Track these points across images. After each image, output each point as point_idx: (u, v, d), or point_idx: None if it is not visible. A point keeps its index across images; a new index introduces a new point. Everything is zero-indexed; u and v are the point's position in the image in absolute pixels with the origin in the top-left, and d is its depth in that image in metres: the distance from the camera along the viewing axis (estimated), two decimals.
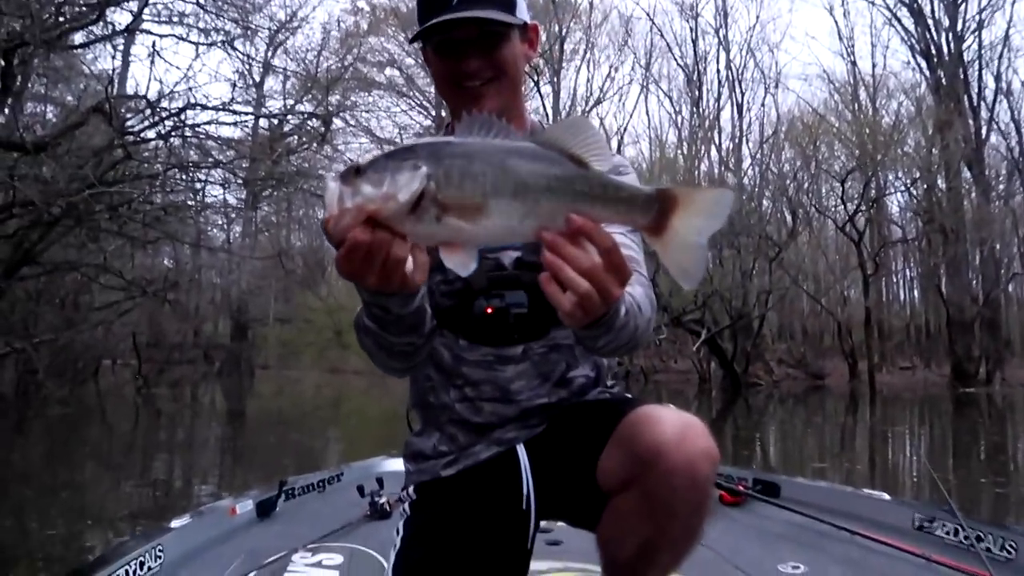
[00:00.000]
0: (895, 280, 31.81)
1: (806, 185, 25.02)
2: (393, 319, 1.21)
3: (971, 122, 24.33)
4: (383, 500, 2.81)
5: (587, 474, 1.31)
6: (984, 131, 24.95)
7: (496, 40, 1.40)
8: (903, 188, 25.18)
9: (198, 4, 13.47)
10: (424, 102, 32.27)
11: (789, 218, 25.04)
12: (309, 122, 16.23)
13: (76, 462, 8.03)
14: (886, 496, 2.80)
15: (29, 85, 15.18)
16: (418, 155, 0.90)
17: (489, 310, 1.41)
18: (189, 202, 15.29)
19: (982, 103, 25.21)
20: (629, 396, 1.52)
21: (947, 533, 2.43)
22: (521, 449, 1.46)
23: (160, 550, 2.23)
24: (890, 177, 24.64)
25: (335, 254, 0.95)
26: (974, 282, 24.89)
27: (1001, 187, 26.58)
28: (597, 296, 0.95)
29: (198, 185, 16.91)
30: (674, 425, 1.20)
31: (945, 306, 23.51)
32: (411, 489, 1.52)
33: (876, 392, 20.51)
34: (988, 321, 22.57)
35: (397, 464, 3.40)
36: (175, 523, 2.46)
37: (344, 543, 2.51)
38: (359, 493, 2.87)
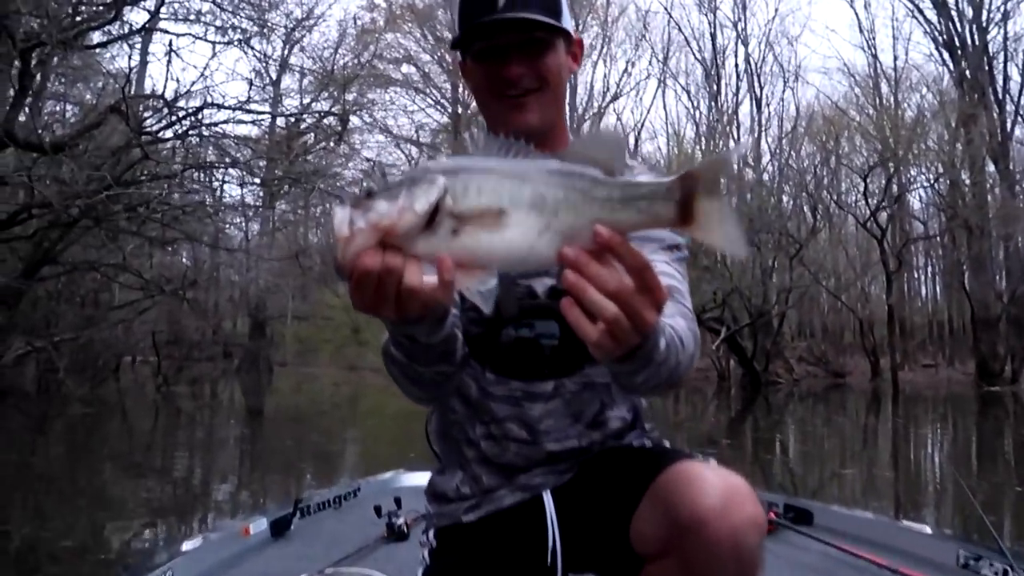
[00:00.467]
0: (916, 276, 31.39)
1: (826, 180, 24.73)
2: (421, 348, 1.12)
3: (996, 115, 23.88)
4: (400, 521, 2.74)
5: (619, 532, 1.20)
6: (1009, 124, 24.50)
7: (541, 47, 1.33)
8: (926, 184, 24.81)
9: (214, 3, 13.47)
10: (441, 99, 32.25)
11: (809, 214, 24.77)
12: (326, 120, 16.22)
13: (96, 464, 8.07)
14: (928, 529, 2.65)
15: (48, 84, 15.26)
16: (433, 171, 0.87)
17: (517, 340, 1.33)
18: (207, 201, 15.31)
19: (1007, 96, 24.78)
20: (667, 446, 1.42)
21: (995, 574, 2.27)
22: (548, 497, 1.36)
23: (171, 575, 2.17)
24: (912, 172, 24.30)
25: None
26: (997, 279, 24.48)
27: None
28: (627, 322, 0.84)
29: (216, 184, 17.00)
30: (717, 489, 1.08)
31: (970, 303, 23.12)
32: (431, 534, 1.43)
33: (899, 391, 20.25)
34: (1014, 319, 22.18)
35: (414, 479, 3.34)
36: (186, 545, 2.40)
37: (360, 568, 2.43)
38: (376, 513, 2.79)
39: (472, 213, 0.85)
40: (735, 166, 27.01)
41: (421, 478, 2.74)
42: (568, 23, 1.37)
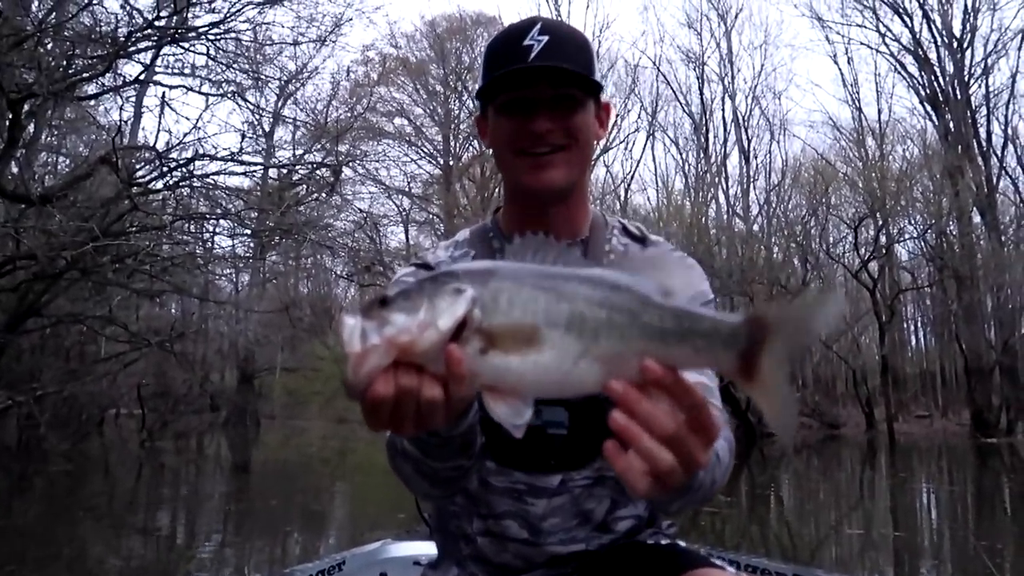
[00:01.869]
0: (905, 327, 31.42)
1: (812, 231, 24.91)
2: (438, 443, 1.01)
3: (982, 167, 24.23)
4: None
5: None
6: (995, 176, 24.84)
7: (572, 104, 1.24)
8: (915, 235, 25.02)
9: (210, 56, 13.56)
10: (433, 151, 32.53)
11: (797, 264, 24.87)
12: (318, 171, 16.25)
13: (75, 522, 7.77)
14: None
15: (41, 136, 15.26)
16: (459, 278, 0.76)
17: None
18: (197, 252, 15.19)
19: (991, 149, 25.18)
20: (682, 547, 1.29)
21: None
22: None
23: None
24: (902, 223, 24.51)
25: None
26: (987, 329, 24.51)
27: (1011, 231, 26.39)
28: (680, 468, 0.73)
29: (206, 236, 16.90)
30: None
31: (963, 354, 23.10)
32: None
33: (895, 442, 20.04)
34: (1007, 369, 22.14)
35: (402, 550, 3.17)
36: None
37: None
38: None
39: (502, 332, 0.74)
40: (725, 220, 27.28)
41: (409, 548, 2.66)
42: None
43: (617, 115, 30.78)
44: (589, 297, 0.75)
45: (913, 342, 32.43)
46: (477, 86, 1.33)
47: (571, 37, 1.26)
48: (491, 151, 1.35)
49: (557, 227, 1.26)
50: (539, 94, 1.23)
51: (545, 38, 1.21)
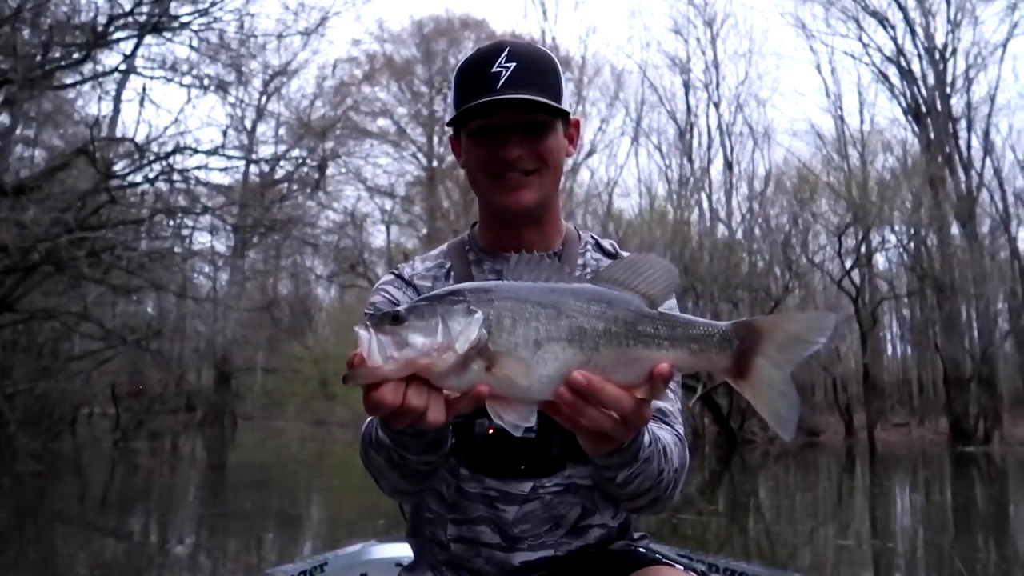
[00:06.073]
0: (882, 335, 31.66)
1: (793, 240, 25.05)
2: (412, 433, 1.05)
3: (963, 178, 24.49)
4: None
5: None
6: (975, 187, 25.11)
7: (541, 129, 1.31)
8: (896, 244, 25.21)
9: (192, 47, 13.32)
10: (417, 151, 32.37)
11: (779, 272, 24.98)
12: (302, 168, 16.05)
13: (44, 525, 7.54)
14: None
15: (17, 129, 14.93)
16: (467, 298, 0.82)
17: (491, 431, 1.25)
18: (175, 249, 14.94)
19: (971, 159, 25.46)
20: (640, 550, 1.30)
21: None
22: None
23: None
24: (883, 232, 24.69)
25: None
26: (967, 338, 24.74)
27: (987, 242, 26.70)
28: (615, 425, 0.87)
29: (185, 232, 16.64)
30: None
31: (942, 363, 23.29)
32: None
33: (875, 451, 20.14)
34: (985, 378, 22.34)
35: (385, 551, 3.10)
36: None
37: None
38: None
39: (508, 350, 0.81)
40: (707, 226, 27.36)
41: (391, 550, 2.63)
42: (567, 103, 1.34)
43: (602, 119, 30.85)
44: (587, 311, 0.82)
45: (890, 351, 32.69)
46: (449, 107, 1.40)
47: (538, 62, 1.30)
48: (465, 171, 1.41)
49: (530, 242, 1.35)
50: (509, 121, 1.28)
51: (512, 64, 1.26)
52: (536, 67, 1.29)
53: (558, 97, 1.31)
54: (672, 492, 1.17)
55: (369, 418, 1.13)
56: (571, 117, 1.37)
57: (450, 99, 1.37)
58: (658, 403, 1.20)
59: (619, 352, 0.82)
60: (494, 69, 1.26)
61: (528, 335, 0.81)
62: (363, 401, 0.85)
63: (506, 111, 1.28)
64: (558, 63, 1.35)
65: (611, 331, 0.82)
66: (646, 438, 1.05)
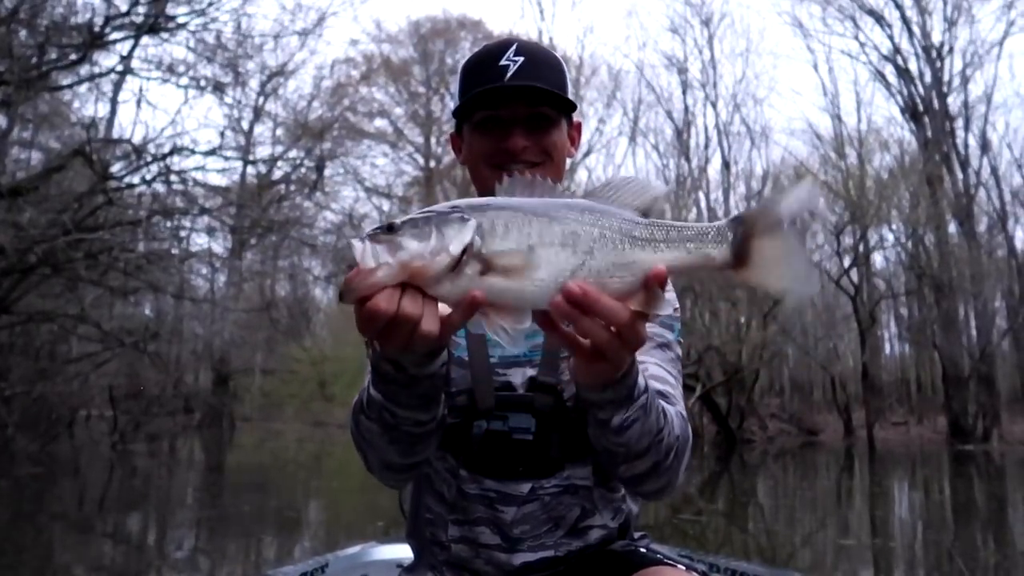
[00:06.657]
0: (880, 334, 31.70)
1: None
2: (404, 382, 1.04)
3: (960, 176, 24.51)
4: None
5: None
6: (973, 186, 25.14)
7: (546, 123, 1.32)
8: (894, 243, 25.23)
9: (189, 48, 13.30)
10: (414, 152, 32.36)
11: None
12: (300, 168, 16.03)
13: (43, 527, 7.52)
14: None
15: (14, 131, 14.89)
16: (461, 209, 0.83)
17: (488, 433, 1.26)
18: (173, 250, 14.91)
19: (968, 158, 25.48)
20: (641, 551, 1.30)
21: None
22: None
23: None
24: (881, 231, 24.72)
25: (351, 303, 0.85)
26: (965, 337, 24.77)
27: (984, 241, 26.73)
28: (613, 347, 0.88)
29: (183, 233, 16.61)
30: None
31: (941, 361, 23.31)
32: None
33: (874, 450, 20.14)
34: (983, 377, 22.36)
35: (386, 552, 3.10)
36: None
37: None
38: None
39: (499, 257, 0.81)
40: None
41: (392, 551, 2.62)
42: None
43: (600, 119, 30.85)
44: (580, 219, 0.83)
45: (888, 349, 32.72)
46: (452, 103, 1.40)
47: (546, 58, 1.33)
48: (465, 166, 1.41)
49: None
50: (515, 113, 1.30)
51: (521, 59, 1.28)
52: (544, 63, 1.31)
53: (564, 95, 1.33)
54: (675, 463, 1.14)
55: (358, 396, 1.14)
56: (573, 119, 1.38)
57: (454, 90, 1.37)
58: (658, 385, 1.20)
59: (615, 254, 0.82)
60: (502, 62, 1.28)
61: (521, 240, 0.81)
62: (356, 320, 0.84)
63: (512, 103, 1.29)
64: (564, 64, 1.36)
65: (605, 235, 0.82)
66: (641, 381, 1.04)
